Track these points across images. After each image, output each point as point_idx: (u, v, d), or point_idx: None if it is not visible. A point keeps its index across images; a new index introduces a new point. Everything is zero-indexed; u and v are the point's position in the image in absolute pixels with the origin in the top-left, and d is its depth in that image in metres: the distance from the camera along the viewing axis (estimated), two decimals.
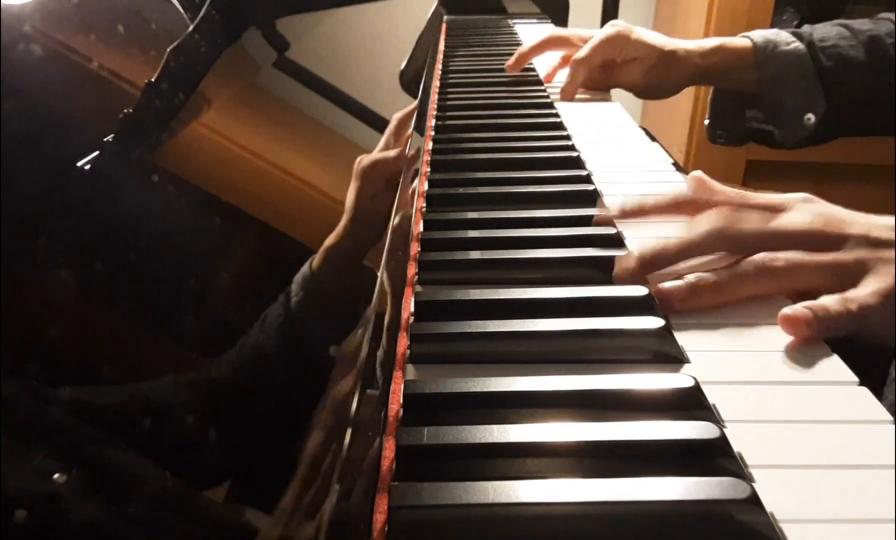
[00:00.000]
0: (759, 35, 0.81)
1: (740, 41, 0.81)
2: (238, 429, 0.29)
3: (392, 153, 0.54)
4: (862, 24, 0.79)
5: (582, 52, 0.83)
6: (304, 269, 0.38)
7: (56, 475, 0.22)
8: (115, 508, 0.23)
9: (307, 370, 0.33)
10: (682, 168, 0.61)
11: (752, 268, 0.41)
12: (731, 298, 0.40)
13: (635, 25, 0.85)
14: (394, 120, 0.59)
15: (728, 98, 0.92)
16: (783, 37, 0.80)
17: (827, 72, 0.77)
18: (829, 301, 0.38)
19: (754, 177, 1.64)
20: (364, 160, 0.50)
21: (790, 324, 0.38)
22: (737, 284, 0.41)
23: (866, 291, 0.40)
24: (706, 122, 0.96)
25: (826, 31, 0.79)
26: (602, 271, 0.43)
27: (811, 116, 0.78)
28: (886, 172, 1.41)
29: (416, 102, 0.59)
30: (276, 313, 0.34)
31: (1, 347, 0.24)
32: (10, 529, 0.21)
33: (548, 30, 1.11)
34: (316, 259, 0.39)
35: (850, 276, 0.41)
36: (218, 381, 0.30)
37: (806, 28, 0.81)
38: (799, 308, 0.38)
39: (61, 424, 0.24)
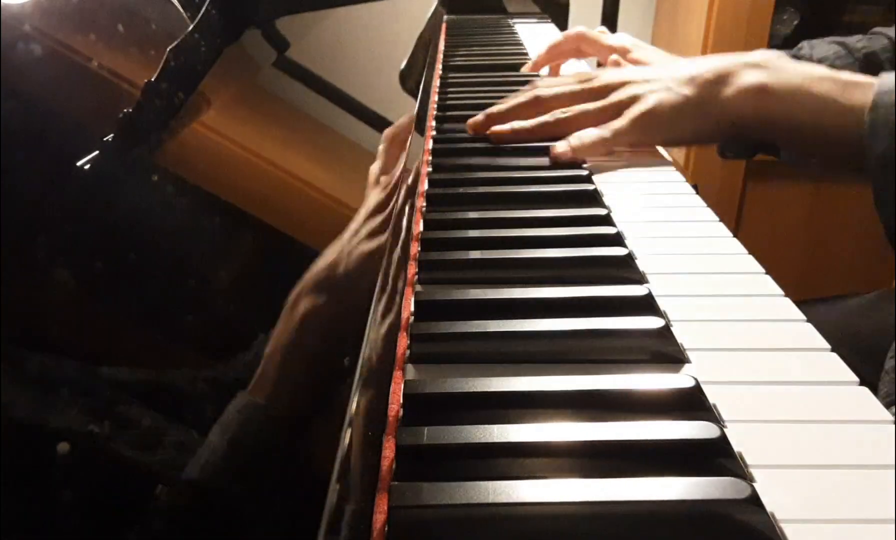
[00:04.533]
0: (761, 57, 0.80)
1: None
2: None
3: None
4: (857, 41, 0.78)
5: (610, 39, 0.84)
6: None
7: (90, 426, 0.23)
8: (146, 453, 0.24)
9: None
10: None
11: (550, 117, 0.63)
12: (524, 135, 0.62)
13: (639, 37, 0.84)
14: (384, 139, 0.60)
15: None
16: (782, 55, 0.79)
17: None
18: (587, 131, 0.60)
19: (754, 177, 1.64)
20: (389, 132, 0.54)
21: (555, 156, 0.60)
22: (538, 127, 0.62)
23: (623, 118, 0.60)
24: None
25: (823, 50, 0.78)
26: (602, 271, 0.43)
27: None
28: None
29: (406, 116, 0.59)
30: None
31: (1, 344, 0.24)
32: (54, 460, 0.21)
33: (550, 30, 1.11)
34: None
35: (624, 109, 0.60)
36: (236, 385, 0.30)
37: (804, 47, 0.80)
38: (560, 143, 0.60)
39: (84, 385, 0.25)
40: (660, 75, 0.61)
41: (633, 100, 0.60)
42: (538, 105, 0.65)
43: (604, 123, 0.61)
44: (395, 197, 0.44)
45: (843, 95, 0.53)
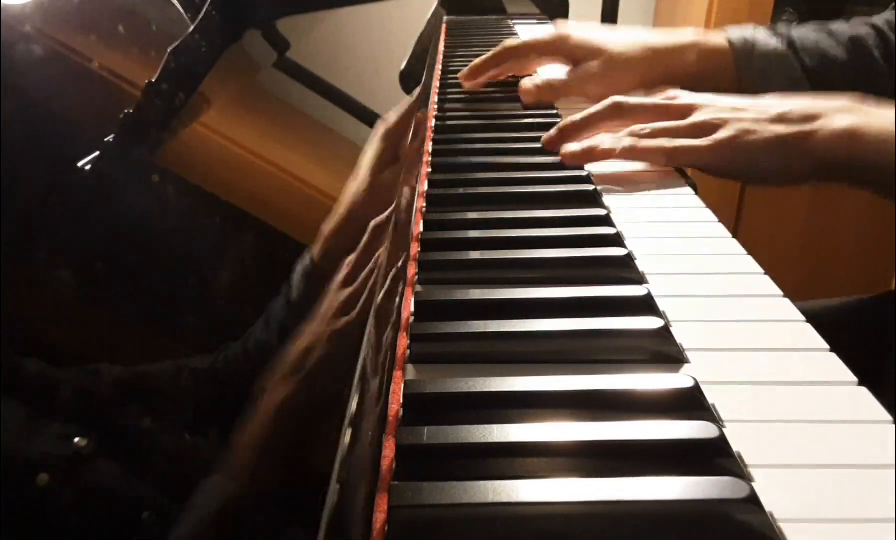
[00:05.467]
0: (736, 33, 0.78)
1: (715, 40, 0.78)
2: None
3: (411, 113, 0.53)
4: (840, 26, 0.77)
5: (511, 42, 0.79)
6: (305, 260, 0.37)
7: (77, 439, 0.23)
8: (135, 468, 0.24)
9: None
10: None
11: (626, 133, 0.58)
12: (601, 154, 0.57)
13: (582, 23, 0.80)
14: (380, 128, 0.58)
15: None
16: (760, 35, 0.77)
17: (811, 72, 0.75)
18: (646, 141, 0.57)
19: None
20: (390, 120, 0.49)
21: (578, 156, 0.57)
22: (625, 153, 0.57)
23: (705, 139, 0.56)
24: None
25: (804, 31, 0.77)
26: (602, 272, 0.43)
27: None
28: None
29: (399, 109, 0.58)
30: (279, 307, 0.34)
31: (1, 341, 0.24)
32: (34, 492, 0.21)
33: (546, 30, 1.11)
34: (316, 248, 0.38)
35: (706, 132, 0.57)
36: (221, 373, 0.30)
37: (781, 28, 0.78)
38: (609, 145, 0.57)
39: (76, 390, 0.25)
40: (747, 106, 0.58)
41: (719, 124, 0.57)
42: (618, 114, 0.60)
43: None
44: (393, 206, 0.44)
45: None
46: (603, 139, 0.58)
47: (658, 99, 0.62)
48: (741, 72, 0.76)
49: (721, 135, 0.56)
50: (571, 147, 0.58)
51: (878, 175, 0.54)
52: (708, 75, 0.76)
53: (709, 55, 0.77)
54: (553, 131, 0.62)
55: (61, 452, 0.23)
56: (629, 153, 0.57)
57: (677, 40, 0.78)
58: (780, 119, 0.56)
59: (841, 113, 0.55)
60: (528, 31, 1.15)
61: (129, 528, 0.23)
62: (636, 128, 0.58)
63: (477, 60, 0.80)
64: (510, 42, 0.80)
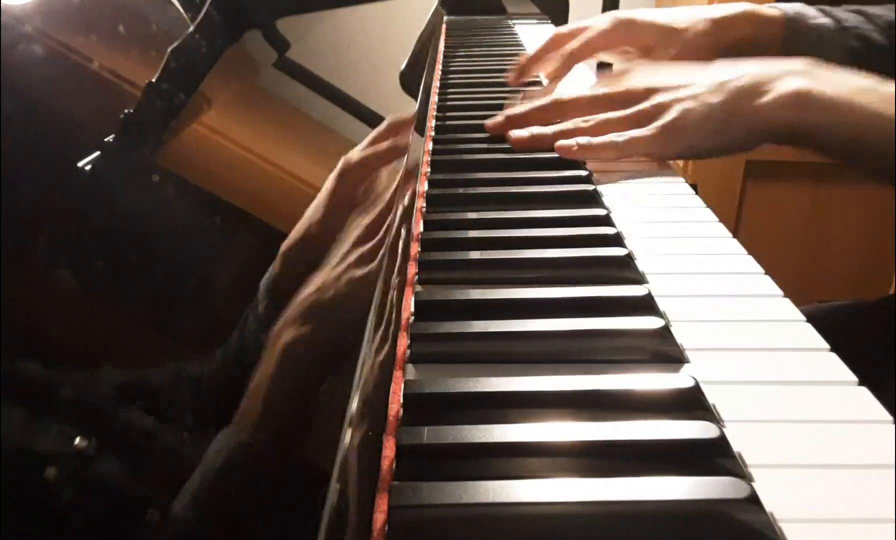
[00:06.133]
0: (790, 6, 0.76)
1: (768, 10, 0.75)
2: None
3: (383, 148, 0.51)
4: (876, 10, 0.75)
5: (573, 44, 0.77)
6: (269, 271, 0.37)
7: (77, 439, 0.23)
8: (137, 468, 0.24)
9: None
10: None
11: (571, 125, 0.60)
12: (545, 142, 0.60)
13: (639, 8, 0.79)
14: (387, 120, 0.58)
15: None
16: (810, 11, 0.75)
17: (853, 52, 0.72)
18: (598, 138, 0.58)
19: (754, 177, 1.64)
20: (353, 157, 0.48)
21: (557, 149, 0.59)
22: (558, 136, 0.59)
23: (645, 128, 0.57)
24: None
25: (844, 13, 0.75)
26: (602, 271, 0.43)
27: None
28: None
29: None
30: (249, 319, 0.34)
31: (2, 340, 0.24)
32: (38, 490, 0.21)
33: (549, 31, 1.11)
34: (276, 263, 0.38)
35: (649, 119, 0.57)
36: (209, 379, 0.30)
37: (826, 8, 0.76)
38: (565, 142, 0.58)
39: (77, 391, 0.25)
40: (689, 82, 0.58)
41: (658, 110, 0.57)
42: (558, 109, 0.63)
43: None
44: (393, 201, 0.44)
45: (889, 108, 0.51)
46: (548, 129, 0.61)
47: (600, 89, 0.63)
48: (787, 44, 0.75)
49: (663, 120, 0.57)
50: (518, 132, 0.62)
51: (828, 139, 0.54)
52: (759, 45, 0.75)
53: (761, 24, 0.75)
54: (498, 117, 0.64)
55: (63, 452, 0.23)
56: (584, 151, 0.58)
57: (733, 10, 0.76)
58: (721, 89, 0.56)
59: (791, 76, 0.54)
60: (527, 32, 1.15)
61: (132, 528, 0.23)
62: (579, 121, 0.60)
63: (527, 56, 0.81)
64: (568, 47, 0.77)
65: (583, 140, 0.58)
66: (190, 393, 0.28)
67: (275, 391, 0.29)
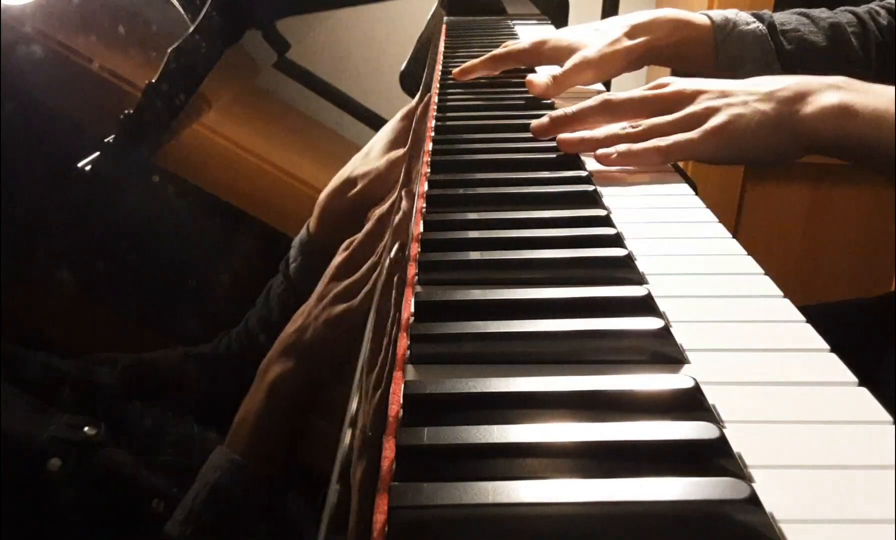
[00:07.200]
0: (718, 14, 0.78)
1: (698, 18, 0.78)
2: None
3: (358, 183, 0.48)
4: (821, 12, 0.77)
5: (498, 51, 0.83)
6: (302, 232, 0.37)
7: (86, 428, 0.23)
8: (144, 456, 0.24)
9: None
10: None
11: (620, 131, 0.59)
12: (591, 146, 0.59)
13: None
14: (401, 112, 0.59)
15: None
16: (742, 17, 0.77)
17: (788, 56, 0.75)
18: (640, 144, 0.57)
19: (754, 177, 1.64)
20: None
21: (600, 159, 0.58)
22: (608, 140, 0.58)
23: (694, 131, 0.57)
24: None
25: (786, 16, 0.77)
26: (602, 272, 0.43)
27: None
28: None
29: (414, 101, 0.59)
30: (277, 282, 0.34)
31: (2, 340, 0.24)
32: (44, 478, 0.21)
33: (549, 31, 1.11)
34: (312, 220, 0.38)
35: (698, 122, 0.57)
36: (224, 355, 0.30)
37: (765, 12, 0.78)
38: (604, 150, 0.58)
39: (84, 381, 0.25)
40: (736, 89, 0.58)
41: (708, 113, 0.57)
42: (607, 110, 0.62)
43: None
44: (393, 203, 0.44)
45: None
46: (598, 133, 0.60)
47: (647, 91, 0.62)
48: (719, 50, 0.77)
49: (712, 123, 0.56)
50: (567, 135, 0.60)
51: (870, 151, 0.54)
52: (688, 54, 0.78)
53: (687, 28, 0.77)
54: (545, 119, 0.63)
55: (71, 440, 0.23)
56: (626, 158, 0.57)
57: (656, 15, 0.78)
58: (770, 98, 0.56)
59: (832, 89, 0.55)
60: (527, 32, 1.15)
61: (139, 515, 0.23)
62: (628, 127, 0.60)
63: (467, 64, 0.85)
64: (497, 52, 0.85)
65: (622, 147, 0.58)
66: (203, 375, 0.29)
67: (263, 424, 0.30)
